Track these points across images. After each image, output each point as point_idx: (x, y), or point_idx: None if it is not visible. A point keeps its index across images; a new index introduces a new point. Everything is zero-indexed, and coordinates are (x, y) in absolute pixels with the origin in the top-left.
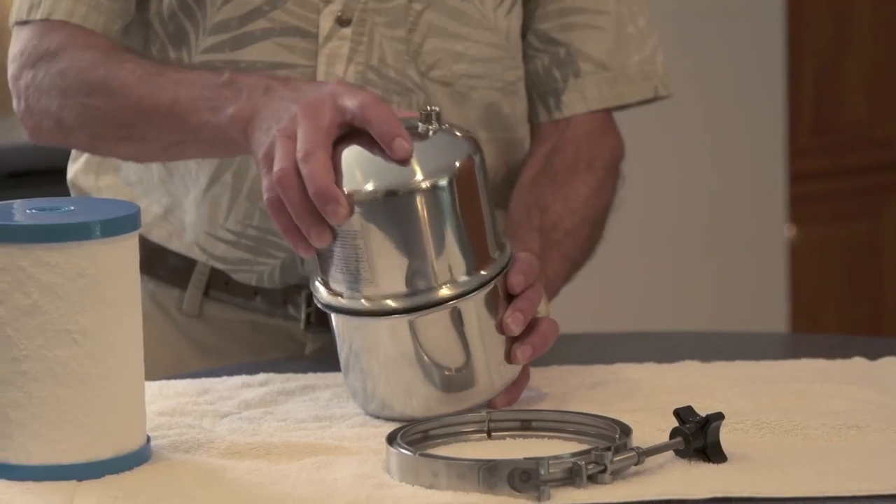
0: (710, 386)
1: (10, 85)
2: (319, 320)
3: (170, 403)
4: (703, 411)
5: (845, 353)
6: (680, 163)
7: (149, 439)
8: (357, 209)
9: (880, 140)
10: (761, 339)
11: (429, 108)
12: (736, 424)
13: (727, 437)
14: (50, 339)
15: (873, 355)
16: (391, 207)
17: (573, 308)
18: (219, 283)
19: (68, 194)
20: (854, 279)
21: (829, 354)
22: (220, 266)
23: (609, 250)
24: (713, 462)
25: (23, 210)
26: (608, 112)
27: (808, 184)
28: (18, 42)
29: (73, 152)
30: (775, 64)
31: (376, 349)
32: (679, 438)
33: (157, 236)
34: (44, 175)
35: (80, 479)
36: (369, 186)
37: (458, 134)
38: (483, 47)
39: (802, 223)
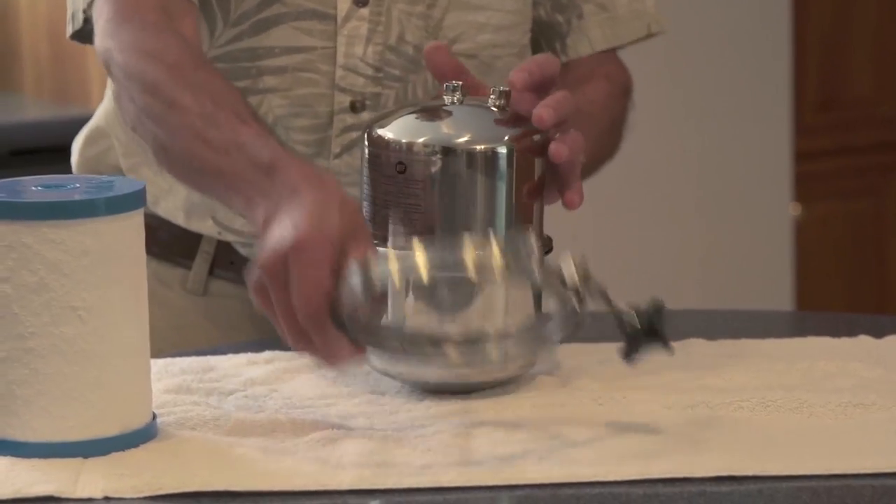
0: (715, 364)
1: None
2: None
3: (175, 381)
4: (709, 390)
5: (851, 331)
6: (685, 141)
7: (155, 416)
8: (420, 162)
9: (886, 118)
10: (767, 317)
11: (501, 88)
12: (741, 402)
13: (734, 414)
14: (56, 317)
15: (879, 333)
16: (448, 164)
17: None
18: (223, 262)
19: (72, 172)
20: (860, 257)
21: (835, 332)
22: (232, 238)
23: (614, 228)
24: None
25: (28, 187)
26: (613, 52)
27: (813, 162)
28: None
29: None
30: (780, 42)
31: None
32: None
33: (163, 208)
34: (48, 153)
35: (85, 456)
36: (425, 142)
37: (523, 115)
38: (504, 15)
39: (808, 201)
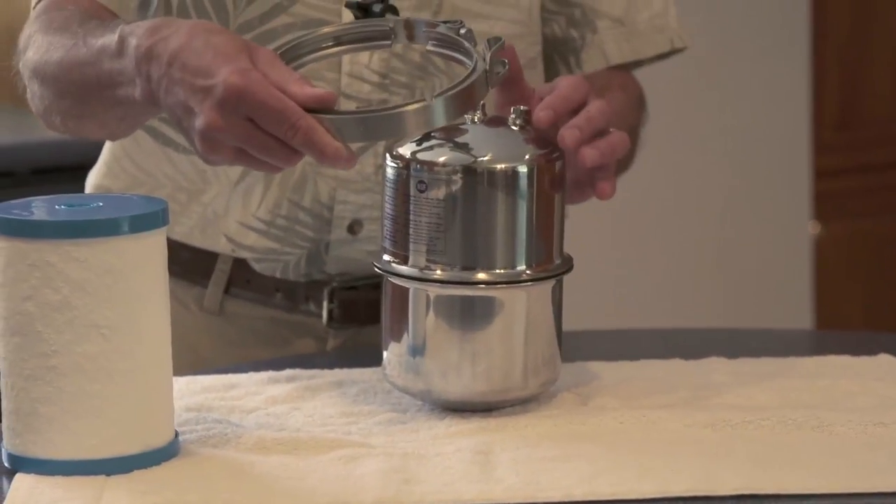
0: (735, 382)
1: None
2: (341, 316)
3: (197, 399)
4: (729, 408)
5: (871, 350)
6: (704, 160)
7: (177, 434)
8: (442, 181)
9: None
10: (787, 335)
11: (522, 107)
12: (762, 421)
13: (754, 433)
14: (79, 335)
15: None
16: (469, 183)
17: (599, 304)
18: (240, 280)
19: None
20: (879, 276)
21: (855, 351)
22: (246, 255)
23: (634, 246)
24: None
25: (51, 206)
26: (628, 71)
27: (832, 180)
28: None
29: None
30: (799, 59)
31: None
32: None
33: (178, 233)
34: (68, 171)
35: (108, 474)
36: (446, 161)
37: (543, 135)
38: (507, 24)
39: (827, 220)
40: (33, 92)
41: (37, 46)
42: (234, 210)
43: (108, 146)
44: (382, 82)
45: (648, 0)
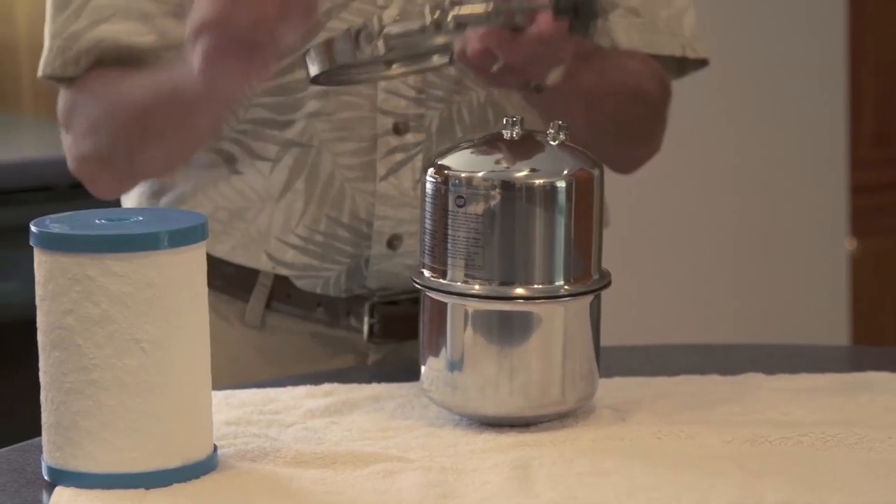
0: (773, 398)
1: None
2: (382, 331)
3: (235, 413)
4: (768, 424)
5: None
6: (742, 175)
7: (215, 448)
8: (480, 196)
9: None
10: (824, 351)
11: (560, 122)
12: (800, 437)
13: (793, 449)
14: (119, 349)
15: None
16: (507, 198)
17: (638, 320)
18: (281, 295)
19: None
20: None
21: (894, 367)
22: (286, 272)
23: (671, 261)
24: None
25: (91, 220)
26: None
27: (869, 196)
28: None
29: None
30: (837, 75)
31: (461, 335)
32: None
33: (220, 251)
34: None
35: (147, 488)
36: (484, 176)
37: (581, 150)
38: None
39: (863, 236)
40: (95, 143)
41: (95, 101)
42: (275, 227)
43: None
44: (418, 97)
45: (667, 1)
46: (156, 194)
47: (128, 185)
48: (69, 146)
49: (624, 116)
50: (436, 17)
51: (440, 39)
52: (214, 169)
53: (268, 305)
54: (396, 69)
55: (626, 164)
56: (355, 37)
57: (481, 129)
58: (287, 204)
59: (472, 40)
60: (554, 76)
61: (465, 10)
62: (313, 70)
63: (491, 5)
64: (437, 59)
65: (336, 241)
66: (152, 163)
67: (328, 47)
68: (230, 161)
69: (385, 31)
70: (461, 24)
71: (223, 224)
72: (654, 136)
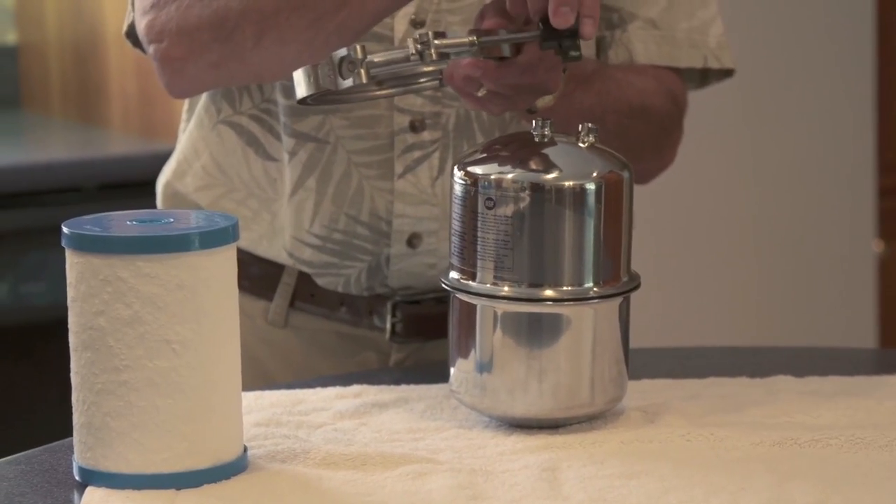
0: (802, 401)
1: (145, 33)
2: (405, 331)
3: (265, 414)
4: (797, 427)
5: None
6: (767, 178)
7: (246, 449)
8: (510, 198)
9: None
10: (853, 354)
11: (589, 125)
12: (830, 439)
13: (822, 451)
14: (150, 350)
15: None
16: (536, 200)
17: (666, 322)
18: (304, 294)
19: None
20: None
21: None
22: (306, 270)
23: (700, 264)
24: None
25: (122, 222)
26: (676, 71)
27: None
28: None
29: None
30: (865, 78)
31: (489, 336)
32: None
33: (247, 239)
34: (135, 187)
35: (178, 488)
36: (514, 178)
37: (610, 151)
38: None
39: (891, 238)
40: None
41: None
42: (290, 224)
43: (179, 152)
44: (434, 94)
45: (690, 12)
46: (198, 154)
47: (225, 77)
48: (163, 19)
49: (626, 132)
50: (419, 48)
51: (425, 68)
52: (257, 150)
53: (291, 304)
54: (385, 89)
55: (636, 177)
56: (338, 64)
57: (499, 127)
58: (298, 201)
59: (457, 67)
60: (545, 101)
61: (448, 41)
62: (300, 92)
63: (474, 37)
64: (425, 82)
65: (355, 239)
66: (283, 45)
67: (313, 72)
68: (253, 143)
69: (367, 59)
70: (444, 54)
71: (253, 212)
72: (663, 151)
